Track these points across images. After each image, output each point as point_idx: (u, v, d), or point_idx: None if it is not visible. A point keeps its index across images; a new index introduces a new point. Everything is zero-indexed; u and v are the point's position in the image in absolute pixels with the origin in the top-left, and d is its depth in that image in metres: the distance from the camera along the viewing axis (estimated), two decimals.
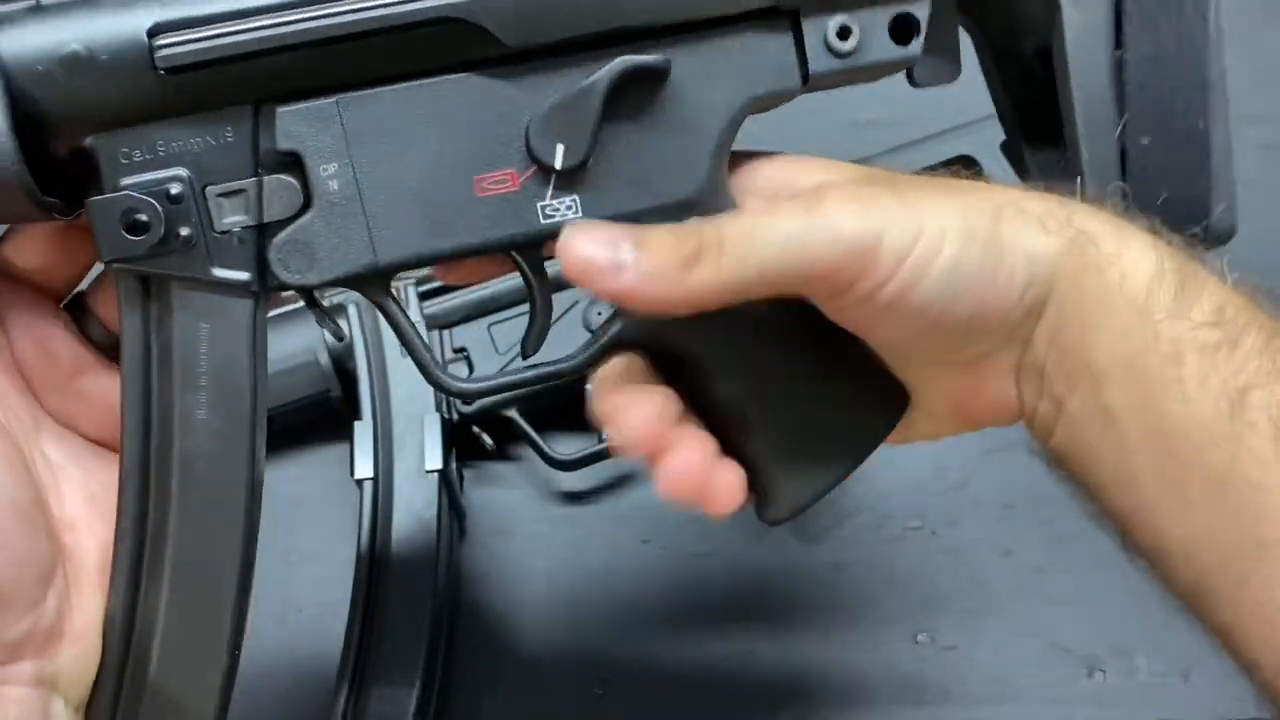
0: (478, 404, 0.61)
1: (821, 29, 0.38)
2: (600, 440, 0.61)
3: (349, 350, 0.62)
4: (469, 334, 0.63)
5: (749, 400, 0.40)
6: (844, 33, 0.39)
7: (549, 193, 0.37)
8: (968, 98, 0.75)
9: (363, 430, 0.60)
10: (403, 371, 0.61)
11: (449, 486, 0.60)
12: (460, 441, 0.62)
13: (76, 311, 0.40)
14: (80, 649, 0.38)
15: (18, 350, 0.38)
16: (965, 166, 0.70)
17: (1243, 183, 0.74)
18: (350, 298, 0.61)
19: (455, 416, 0.62)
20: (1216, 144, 0.42)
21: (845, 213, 0.35)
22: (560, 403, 0.63)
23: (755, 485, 0.41)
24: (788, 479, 0.41)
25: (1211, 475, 0.35)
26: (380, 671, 0.54)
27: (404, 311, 0.39)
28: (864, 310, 0.36)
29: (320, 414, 0.62)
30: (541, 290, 0.40)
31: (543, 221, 0.37)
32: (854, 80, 0.40)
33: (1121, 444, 0.37)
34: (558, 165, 0.36)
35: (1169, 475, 0.36)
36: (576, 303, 0.62)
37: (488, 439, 0.63)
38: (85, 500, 0.39)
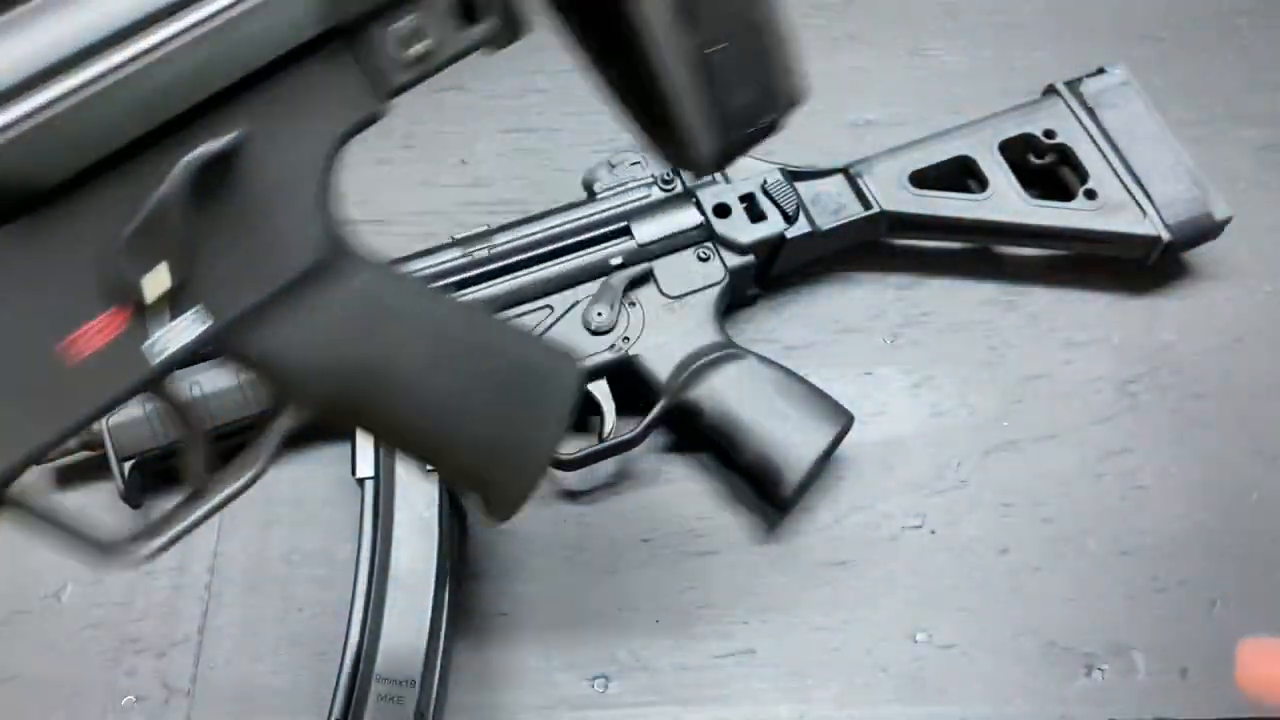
0: None
1: (386, 40, 0.35)
2: (600, 440, 0.61)
3: None
4: None
5: None
6: (411, 37, 0.35)
7: (167, 316, 0.33)
8: (967, 98, 0.76)
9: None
10: None
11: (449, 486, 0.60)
12: None
13: None
14: None
15: None
16: (965, 166, 0.70)
17: (1239, 182, 0.75)
18: None
19: None
20: (766, 22, 0.39)
21: None
22: None
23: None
24: None
25: None
26: (380, 671, 0.54)
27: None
28: None
29: None
30: (195, 424, 0.36)
31: (165, 351, 0.33)
32: (436, 73, 0.37)
33: None
34: (167, 286, 0.32)
35: None
36: (577, 303, 0.62)
37: None
38: None
